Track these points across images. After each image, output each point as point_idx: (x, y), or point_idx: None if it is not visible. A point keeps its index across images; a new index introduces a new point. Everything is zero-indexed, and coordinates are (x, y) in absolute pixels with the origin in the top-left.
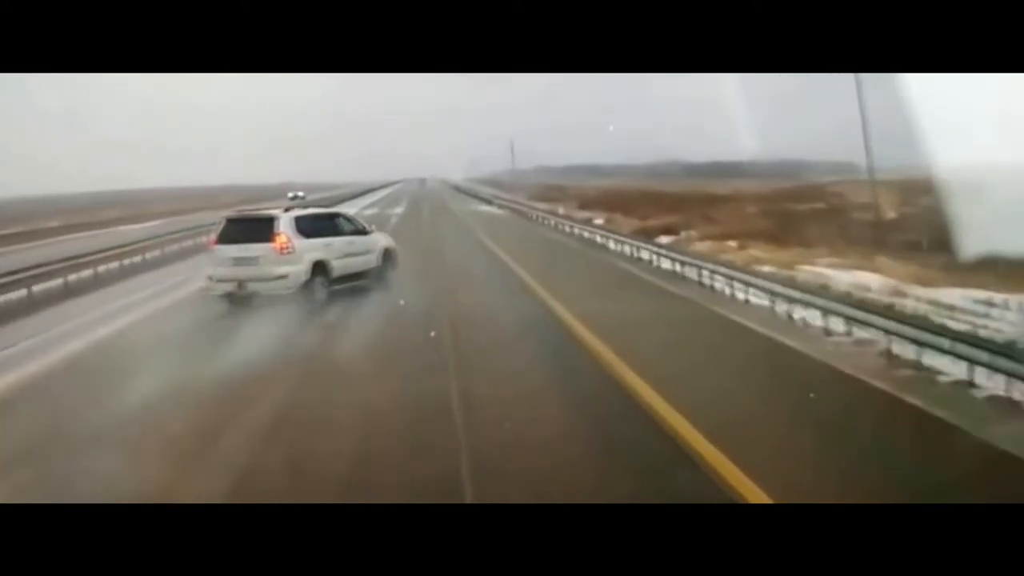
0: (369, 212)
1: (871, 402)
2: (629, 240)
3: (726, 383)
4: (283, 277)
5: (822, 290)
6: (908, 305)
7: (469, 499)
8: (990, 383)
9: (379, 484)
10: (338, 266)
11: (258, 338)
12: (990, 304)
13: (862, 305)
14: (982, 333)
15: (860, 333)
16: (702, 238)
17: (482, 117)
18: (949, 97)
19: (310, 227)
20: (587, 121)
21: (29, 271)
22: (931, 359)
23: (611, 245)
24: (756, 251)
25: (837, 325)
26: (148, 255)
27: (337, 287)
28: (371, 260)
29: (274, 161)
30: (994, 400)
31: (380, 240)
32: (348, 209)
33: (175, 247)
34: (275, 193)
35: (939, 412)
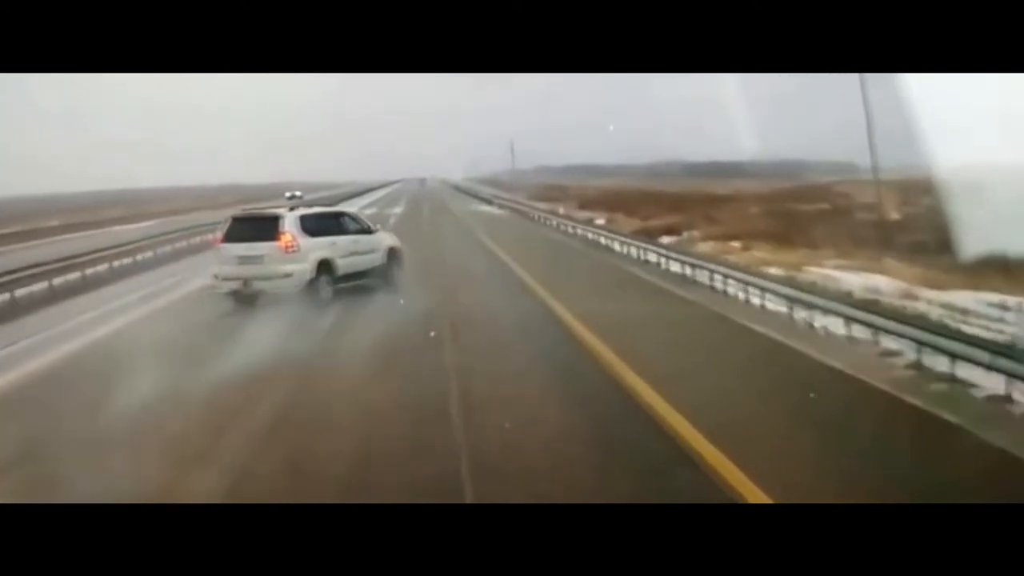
0: (368, 212)
1: (908, 421)
2: (636, 242)
3: (762, 408)
4: (288, 275)
5: (845, 296)
6: (921, 308)
7: (469, 499)
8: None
9: (379, 484)
10: (343, 265)
11: (252, 341)
12: (1004, 307)
13: (891, 314)
14: (999, 338)
15: (886, 342)
16: (705, 238)
17: (482, 117)
18: (950, 97)
19: (315, 226)
20: (587, 121)
21: (12, 274)
22: (964, 371)
23: (616, 247)
24: (760, 252)
25: (856, 332)
26: (140, 256)
27: (342, 285)
28: (376, 259)
29: (274, 161)
30: None
31: (385, 239)
32: (346, 209)
33: (168, 248)
34: (274, 193)
35: (987, 434)
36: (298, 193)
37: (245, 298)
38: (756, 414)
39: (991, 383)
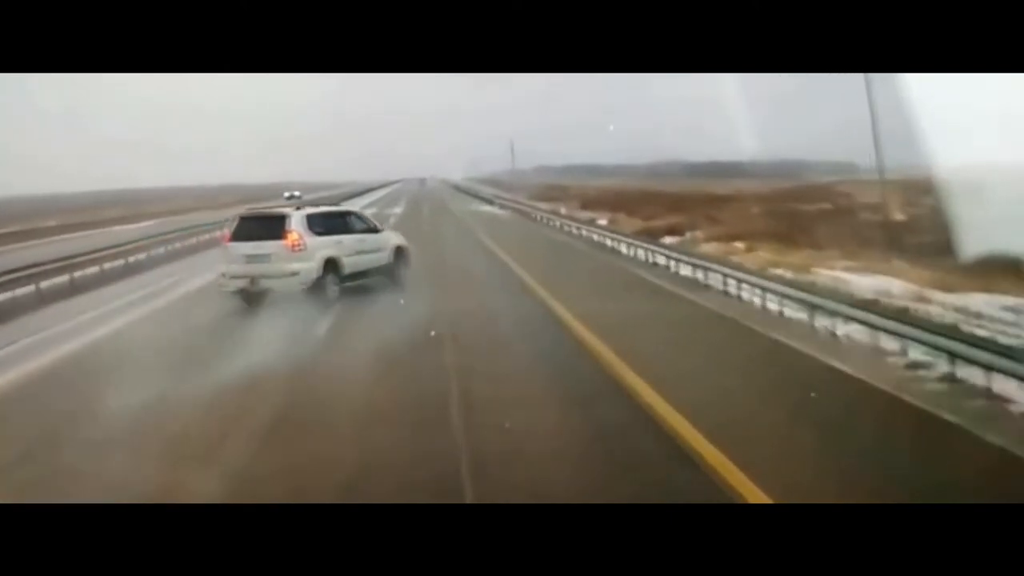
0: (368, 212)
1: (951, 441)
2: (643, 244)
3: (799, 432)
4: (295, 274)
5: (871, 304)
6: (935, 312)
7: (469, 499)
8: None
9: (379, 484)
10: (349, 263)
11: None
12: (1018, 311)
13: (921, 323)
14: (1016, 343)
15: (914, 352)
16: (708, 239)
17: (482, 117)
18: (951, 97)
19: (322, 225)
20: (587, 121)
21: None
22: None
23: (623, 249)
24: (765, 253)
25: (873, 338)
26: (135, 258)
27: (348, 284)
28: (382, 258)
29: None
30: None
31: (391, 238)
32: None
33: (162, 250)
34: (274, 193)
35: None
36: (296, 193)
37: (249, 297)
38: (792, 437)
39: None
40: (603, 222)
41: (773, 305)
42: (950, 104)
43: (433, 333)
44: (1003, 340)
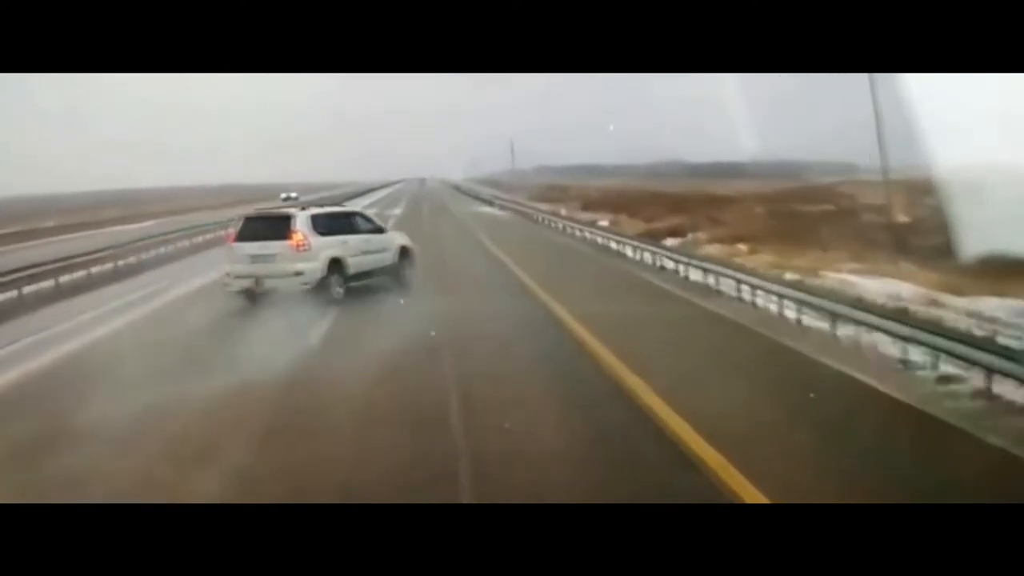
0: (367, 213)
1: (999, 468)
2: (650, 247)
3: (848, 462)
4: (299, 274)
5: (901, 314)
6: (950, 318)
7: (468, 499)
8: None
9: (379, 485)
10: (354, 263)
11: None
12: None
13: (955, 335)
14: None
15: (945, 366)
16: (710, 241)
17: (482, 117)
18: (952, 97)
19: (327, 225)
20: (587, 121)
21: None
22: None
23: (628, 252)
24: (768, 255)
25: (897, 350)
26: (131, 259)
27: (353, 284)
28: (387, 258)
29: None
30: None
31: (397, 238)
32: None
33: (160, 250)
34: (274, 192)
35: None
36: (294, 195)
37: (250, 296)
38: (837, 469)
39: None
40: (604, 223)
41: (790, 312)
42: (950, 104)
43: (433, 333)
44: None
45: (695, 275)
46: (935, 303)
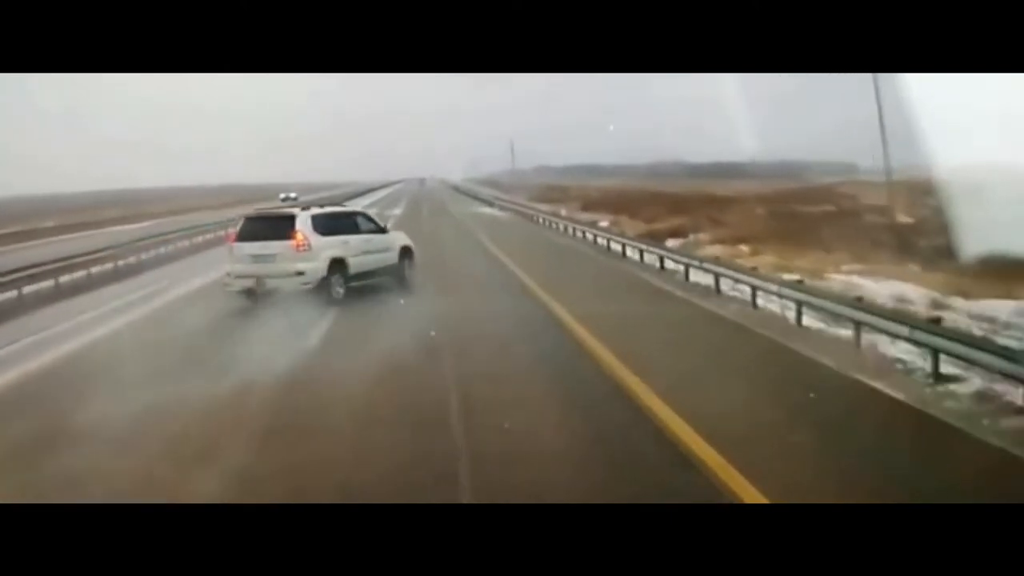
0: (369, 213)
1: (999, 466)
2: (655, 249)
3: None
4: (300, 274)
5: (901, 315)
6: (963, 322)
7: (468, 499)
8: None
9: (379, 485)
10: (355, 263)
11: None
12: None
13: (961, 337)
14: None
15: (945, 366)
16: (711, 241)
17: (482, 117)
18: (953, 97)
19: (328, 225)
20: (587, 121)
21: None
22: None
23: (629, 253)
24: (771, 256)
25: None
26: (131, 259)
27: (355, 284)
28: (389, 258)
29: (274, 161)
30: None
31: (398, 239)
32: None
33: (160, 250)
34: (273, 192)
35: None
36: (293, 195)
37: (251, 296)
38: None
39: None
40: (605, 224)
41: (791, 313)
42: (951, 104)
43: (433, 333)
44: None
45: (695, 275)
46: (943, 306)
